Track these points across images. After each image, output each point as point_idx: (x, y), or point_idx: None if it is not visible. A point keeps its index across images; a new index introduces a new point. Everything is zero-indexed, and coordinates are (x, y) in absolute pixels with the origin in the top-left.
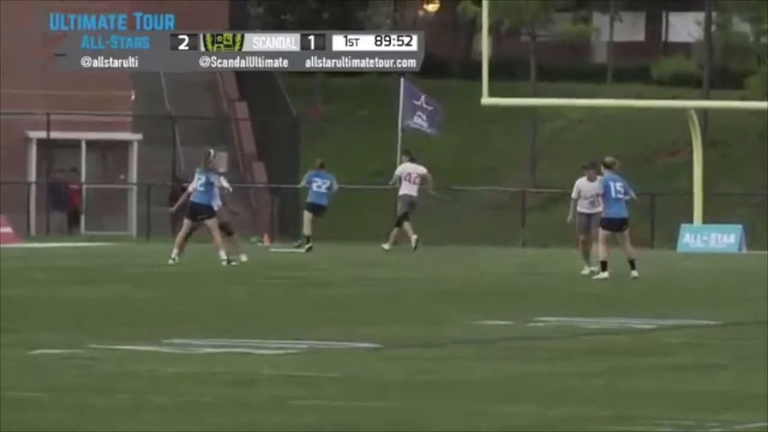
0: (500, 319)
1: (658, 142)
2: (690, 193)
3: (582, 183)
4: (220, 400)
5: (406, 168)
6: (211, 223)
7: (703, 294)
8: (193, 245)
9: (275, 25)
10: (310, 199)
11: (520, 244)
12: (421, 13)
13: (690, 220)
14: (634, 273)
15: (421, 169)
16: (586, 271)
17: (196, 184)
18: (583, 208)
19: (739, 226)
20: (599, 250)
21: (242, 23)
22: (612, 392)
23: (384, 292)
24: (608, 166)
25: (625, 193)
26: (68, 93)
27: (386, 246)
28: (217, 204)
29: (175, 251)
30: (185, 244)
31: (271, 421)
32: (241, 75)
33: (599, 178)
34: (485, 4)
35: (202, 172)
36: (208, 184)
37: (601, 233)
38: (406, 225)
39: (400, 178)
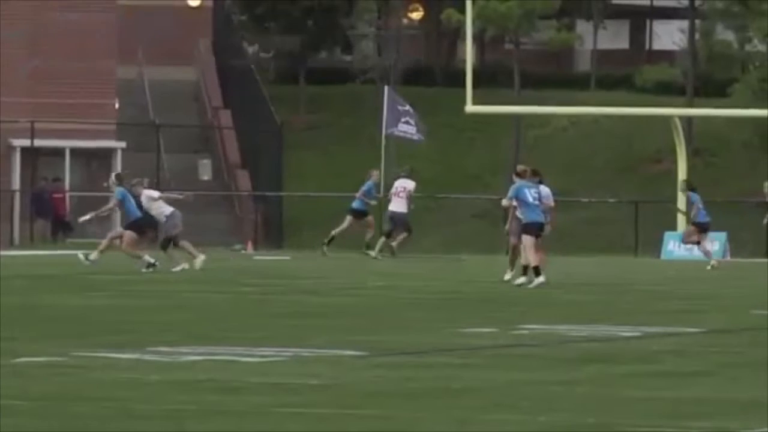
0: (485, 327)
1: (642, 150)
2: (674, 201)
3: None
4: (205, 407)
5: (399, 183)
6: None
7: (687, 302)
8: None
9: (259, 33)
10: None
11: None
12: (405, 20)
13: (674, 228)
14: (521, 279)
15: (410, 185)
16: (507, 275)
17: (133, 201)
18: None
19: (723, 234)
20: (528, 256)
21: (227, 32)
22: (596, 400)
23: (370, 300)
24: (519, 175)
25: (541, 200)
26: (52, 101)
27: (373, 254)
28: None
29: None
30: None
31: (256, 429)
32: (225, 83)
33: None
34: (469, 11)
35: (128, 191)
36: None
37: (527, 239)
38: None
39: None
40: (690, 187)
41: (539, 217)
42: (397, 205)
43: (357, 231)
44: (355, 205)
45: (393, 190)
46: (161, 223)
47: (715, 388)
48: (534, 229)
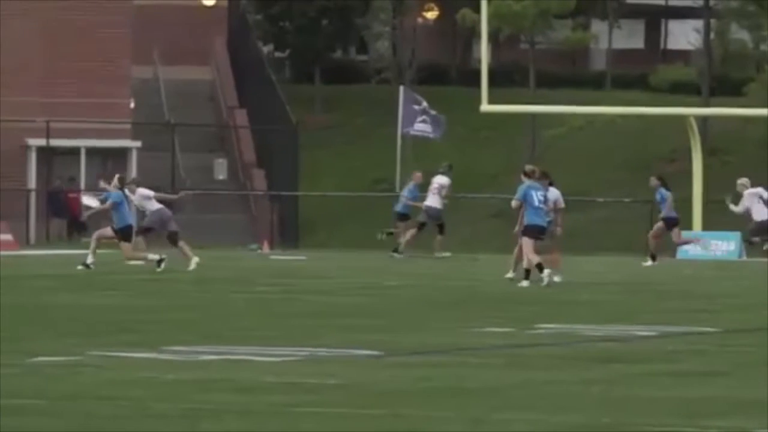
0: (501, 327)
1: (658, 150)
2: (689, 200)
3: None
4: (220, 407)
5: (436, 180)
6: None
7: (703, 301)
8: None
9: (274, 33)
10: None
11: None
12: (420, 20)
13: (690, 228)
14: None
15: (445, 181)
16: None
17: (127, 207)
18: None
19: (739, 234)
20: (529, 257)
21: (242, 31)
22: (612, 399)
23: (385, 299)
24: (527, 174)
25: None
26: (68, 101)
27: (444, 254)
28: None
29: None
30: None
31: (271, 428)
32: (240, 83)
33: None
34: (484, 11)
35: (126, 195)
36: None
37: (526, 241)
38: (412, 232)
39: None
40: (663, 183)
41: (541, 221)
42: (432, 201)
43: (402, 233)
44: (398, 209)
45: (430, 185)
46: (146, 215)
47: (731, 388)
48: (534, 231)
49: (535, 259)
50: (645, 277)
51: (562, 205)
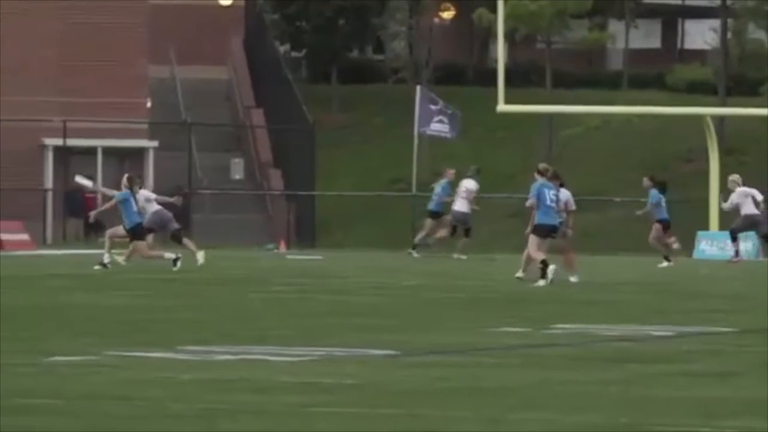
0: (518, 327)
1: (674, 150)
2: (706, 200)
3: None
4: (237, 407)
5: (463, 183)
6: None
7: (720, 301)
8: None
9: (291, 32)
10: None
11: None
12: (436, 20)
13: (706, 228)
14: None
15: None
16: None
17: (135, 206)
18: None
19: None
20: (533, 255)
21: (258, 31)
22: (629, 399)
23: (401, 299)
24: (541, 173)
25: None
26: (85, 100)
27: (462, 256)
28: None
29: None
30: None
31: (288, 428)
32: (257, 82)
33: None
34: (500, 11)
35: (133, 195)
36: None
37: (534, 239)
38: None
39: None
40: (655, 184)
41: (552, 220)
42: (459, 205)
43: (436, 232)
44: (431, 206)
45: (457, 188)
46: (147, 217)
47: (747, 388)
48: (544, 230)
49: (539, 257)
50: (661, 277)
51: (572, 206)
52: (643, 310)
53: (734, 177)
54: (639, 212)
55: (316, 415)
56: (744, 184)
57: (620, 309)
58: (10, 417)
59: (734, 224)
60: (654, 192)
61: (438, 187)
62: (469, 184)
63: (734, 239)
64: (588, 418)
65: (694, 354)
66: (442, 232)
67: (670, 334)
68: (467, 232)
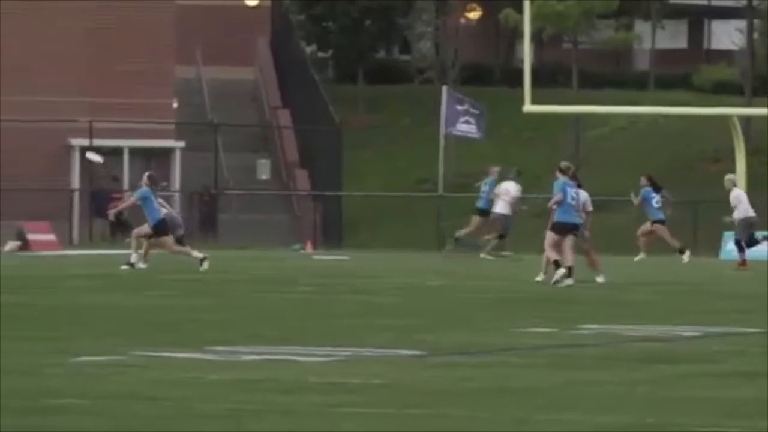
0: (545, 327)
1: (701, 150)
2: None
3: None
4: (264, 407)
5: (504, 186)
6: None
7: (747, 301)
8: (227, 253)
9: (317, 33)
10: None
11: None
12: (462, 20)
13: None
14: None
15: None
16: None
17: (156, 203)
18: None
19: None
20: (548, 253)
21: (285, 32)
22: (656, 400)
23: (428, 299)
24: (562, 171)
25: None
26: (111, 101)
27: (489, 257)
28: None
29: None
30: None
31: (314, 428)
32: (283, 83)
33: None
34: (527, 11)
35: (154, 193)
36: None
37: (551, 236)
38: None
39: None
40: (651, 183)
41: (573, 219)
42: (500, 207)
43: (486, 231)
44: (480, 204)
45: (497, 190)
46: None
47: None
48: (564, 228)
49: (553, 255)
50: (687, 278)
51: (590, 207)
52: (669, 310)
53: (731, 176)
54: (634, 200)
55: (342, 416)
56: None
57: (646, 309)
58: (38, 417)
59: (736, 235)
60: (646, 189)
61: (485, 185)
62: (510, 187)
63: (741, 249)
64: (615, 418)
65: (721, 354)
66: (490, 236)
67: (695, 334)
68: (503, 235)
